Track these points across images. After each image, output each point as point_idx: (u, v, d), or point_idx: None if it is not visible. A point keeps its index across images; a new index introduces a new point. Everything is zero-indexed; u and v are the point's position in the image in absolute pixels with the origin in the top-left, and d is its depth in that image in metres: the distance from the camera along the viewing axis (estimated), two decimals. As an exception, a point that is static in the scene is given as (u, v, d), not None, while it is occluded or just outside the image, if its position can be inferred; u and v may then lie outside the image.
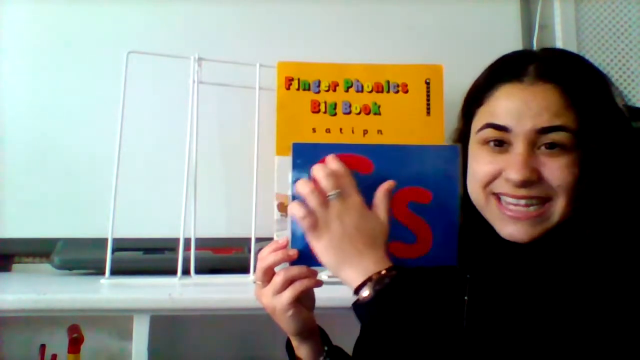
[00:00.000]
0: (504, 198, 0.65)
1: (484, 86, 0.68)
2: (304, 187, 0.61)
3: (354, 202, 0.61)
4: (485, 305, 0.67)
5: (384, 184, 0.64)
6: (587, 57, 1.34)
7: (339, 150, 0.65)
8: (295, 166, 0.65)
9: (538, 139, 0.62)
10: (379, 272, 0.58)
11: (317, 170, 0.62)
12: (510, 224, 0.64)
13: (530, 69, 0.64)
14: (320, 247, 0.61)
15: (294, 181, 0.64)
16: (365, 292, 0.58)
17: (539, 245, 0.64)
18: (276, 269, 0.67)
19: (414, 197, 0.67)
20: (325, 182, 0.61)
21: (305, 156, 0.64)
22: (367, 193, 0.65)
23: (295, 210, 0.61)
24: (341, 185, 0.61)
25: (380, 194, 0.63)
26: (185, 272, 1.02)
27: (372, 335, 0.62)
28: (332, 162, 0.63)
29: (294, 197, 0.64)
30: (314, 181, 0.62)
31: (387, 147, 0.66)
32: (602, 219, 0.61)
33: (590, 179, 0.61)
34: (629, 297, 0.59)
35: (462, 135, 0.72)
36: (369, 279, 0.58)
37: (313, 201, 0.61)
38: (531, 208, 0.63)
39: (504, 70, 0.67)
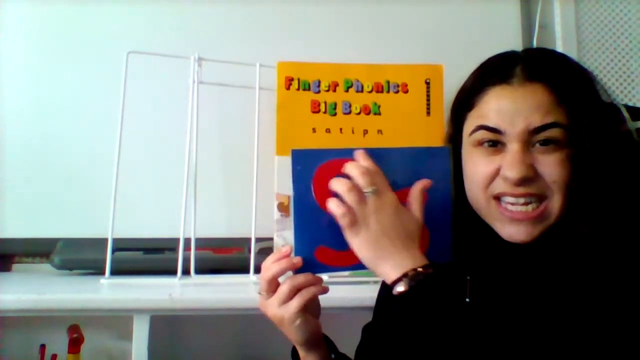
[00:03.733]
0: (503, 199, 0.65)
1: (472, 90, 0.68)
2: (341, 185, 0.62)
3: (389, 199, 0.62)
4: (488, 306, 0.67)
5: (419, 182, 0.65)
6: (587, 57, 1.38)
7: (336, 155, 0.65)
8: (296, 172, 0.64)
9: (532, 138, 0.63)
10: (415, 269, 0.59)
11: (352, 169, 0.62)
12: (510, 225, 0.64)
13: (517, 70, 0.65)
14: (357, 243, 0.62)
15: (295, 189, 0.64)
16: (401, 287, 0.59)
17: (538, 245, 0.65)
18: (280, 279, 0.67)
19: None
20: (361, 180, 0.62)
21: (304, 162, 0.64)
22: None
23: (334, 207, 0.61)
24: (376, 183, 0.62)
25: (416, 192, 0.64)
26: (185, 272, 1.02)
27: (402, 328, 0.63)
28: (364, 160, 0.63)
29: (295, 203, 0.64)
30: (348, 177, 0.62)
31: (381, 151, 0.66)
32: (599, 215, 0.62)
33: (584, 174, 0.61)
34: (631, 293, 0.59)
35: (453, 140, 0.72)
36: (404, 275, 0.59)
37: (351, 198, 0.61)
38: (529, 207, 0.63)
39: (491, 74, 0.67)
